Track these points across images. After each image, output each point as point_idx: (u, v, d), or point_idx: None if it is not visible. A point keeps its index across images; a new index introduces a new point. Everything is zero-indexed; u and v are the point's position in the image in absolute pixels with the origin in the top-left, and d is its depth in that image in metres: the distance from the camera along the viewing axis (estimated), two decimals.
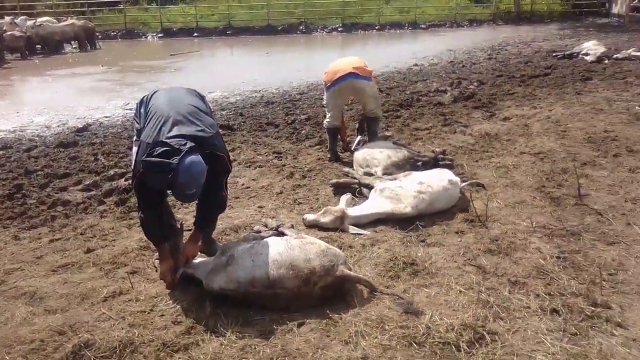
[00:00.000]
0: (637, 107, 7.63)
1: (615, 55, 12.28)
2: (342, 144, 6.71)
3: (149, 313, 3.31)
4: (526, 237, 4.05)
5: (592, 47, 12.64)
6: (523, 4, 27.57)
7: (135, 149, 3.67)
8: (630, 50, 12.41)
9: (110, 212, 5.10)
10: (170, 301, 3.43)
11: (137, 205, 3.63)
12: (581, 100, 8.42)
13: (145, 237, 3.94)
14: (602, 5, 26.23)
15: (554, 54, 13.71)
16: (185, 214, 4.88)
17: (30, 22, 20.68)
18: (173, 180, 3.11)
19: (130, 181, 5.65)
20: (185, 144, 3.16)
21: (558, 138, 6.51)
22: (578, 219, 4.30)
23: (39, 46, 21.03)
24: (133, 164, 3.51)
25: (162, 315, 3.28)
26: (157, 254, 3.77)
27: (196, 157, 3.17)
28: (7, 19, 20.96)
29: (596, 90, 9.15)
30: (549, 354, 2.73)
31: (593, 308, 3.07)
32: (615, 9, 24.20)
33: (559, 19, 26.00)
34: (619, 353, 2.71)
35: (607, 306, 3.09)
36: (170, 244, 3.64)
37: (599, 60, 11.91)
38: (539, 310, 3.10)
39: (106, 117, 9.73)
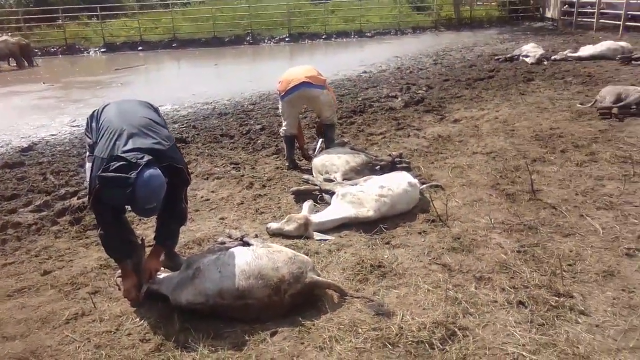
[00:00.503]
0: (578, 105, 8.03)
1: (553, 57, 12.88)
2: (300, 152, 6.71)
3: (115, 333, 3.19)
4: (486, 233, 4.17)
5: (531, 50, 13.22)
6: (462, 10, 28.52)
7: (88, 165, 3.53)
8: (566, 52, 13.06)
9: (65, 232, 4.89)
10: (137, 319, 3.32)
11: (95, 222, 3.49)
12: (525, 100, 8.78)
13: (105, 255, 3.80)
14: (536, 10, 27.45)
15: (496, 58, 14.24)
16: (145, 229, 4.75)
17: None
18: (131, 195, 3.01)
19: (83, 199, 5.46)
20: (142, 158, 3.08)
21: (507, 137, 6.75)
22: (534, 214, 4.46)
23: None
24: (88, 181, 3.38)
25: (129, 334, 3.17)
26: (119, 271, 3.64)
27: (155, 171, 3.09)
28: None
29: (539, 90, 9.56)
30: (520, 345, 2.81)
31: (557, 298, 3.19)
32: (548, 14, 25.40)
33: (497, 24, 27.03)
34: (585, 339, 2.82)
35: (569, 295, 3.21)
36: (132, 260, 3.53)
37: (539, 62, 12.47)
38: (506, 304, 3.19)
39: (52, 135, 9.35)
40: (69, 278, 3.93)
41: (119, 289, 3.62)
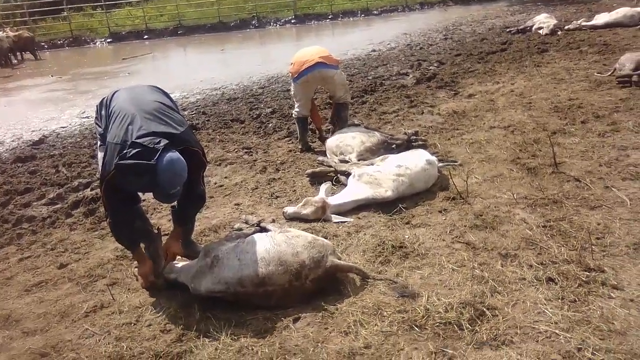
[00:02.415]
0: (596, 74, 7.79)
1: (566, 27, 12.54)
2: (317, 133, 6.58)
3: (135, 324, 3.15)
4: (509, 209, 4.04)
5: (544, 21, 12.87)
6: None
7: (100, 154, 3.46)
8: (580, 21, 12.69)
9: (80, 224, 4.85)
10: (157, 310, 3.26)
11: (105, 211, 3.43)
12: (541, 72, 8.55)
13: (121, 246, 3.74)
14: None
15: (507, 30, 13.92)
16: (160, 219, 4.70)
17: None
18: (154, 181, 2.94)
19: (96, 191, 5.41)
20: (159, 142, 2.99)
21: (525, 110, 6.57)
22: (557, 187, 4.32)
23: None
24: (100, 169, 3.29)
25: (150, 325, 3.12)
26: (136, 262, 3.59)
27: (175, 155, 3.00)
28: None
29: (554, 61, 9.30)
30: (552, 322, 2.71)
31: (587, 273, 3.07)
32: None
33: None
34: (620, 315, 2.70)
35: (600, 270, 3.09)
36: (150, 250, 3.47)
37: (553, 32, 12.14)
38: (535, 281, 3.08)
39: (62, 127, 9.31)
40: (86, 270, 3.89)
41: (137, 280, 3.57)
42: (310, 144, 6.36)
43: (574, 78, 7.83)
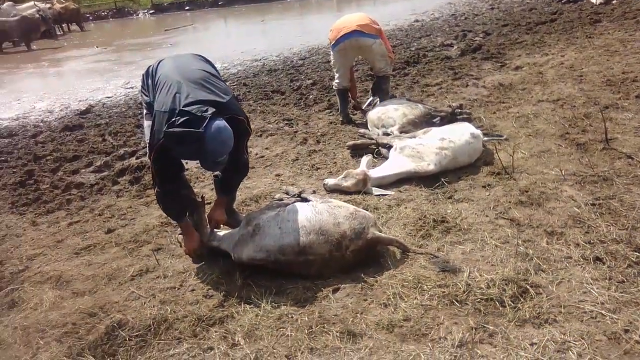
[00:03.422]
0: None
1: None
2: (352, 102, 6.51)
3: (178, 289, 3.24)
4: (557, 186, 3.92)
5: None
6: None
7: (147, 122, 3.51)
8: None
9: (126, 191, 5.00)
10: (199, 275, 3.35)
11: (152, 181, 3.49)
12: (593, 44, 8.16)
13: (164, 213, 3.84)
14: None
15: None
16: (203, 187, 4.78)
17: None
18: (202, 149, 2.97)
19: (142, 159, 5.54)
20: (206, 111, 3.01)
21: (575, 83, 6.30)
22: (608, 164, 4.15)
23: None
24: (149, 137, 3.34)
25: (193, 290, 3.21)
26: (179, 229, 3.68)
27: (222, 123, 3.03)
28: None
29: (607, 33, 8.85)
30: (598, 303, 2.64)
31: (637, 254, 2.96)
32: None
33: None
34: None
35: None
36: (194, 217, 3.54)
37: (607, 1, 11.53)
38: (581, 260, 2.99)
39: (108, 97, 9.55)
40: (132, 236, 4.01)
41: (180, 246, 3.66)
42: (351, 116, 6.29)
43: (629, 50, 7.44)
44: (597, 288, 2.75)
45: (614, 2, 11.54)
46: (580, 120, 5.08)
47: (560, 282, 2.85)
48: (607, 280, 2.80)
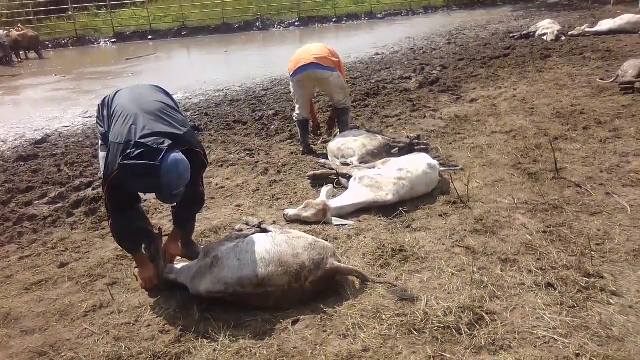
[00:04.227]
0: (598, 80, 7.79)
1: (570, 33, 12.55)
2: (313, 127, 6.56)
3: (134, 324, 3.15)
4: (510, 214, 4.04)
5: (547, 26, 12.89)
6: None
7: (102, 154, 3.47)
8: (583, 27, 12.71)
9: (81, 224, 4.86)
10: (155, 310, 3.27)
11: (107, 212, 3.42)
12: (544, 78, 8.56)
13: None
14: None
15: (511, 35, 13.95)
16: (161, 219, 4.71)
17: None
18: (158, 182, 2.94)
19: (98, 190, 5.43)
20: (163, 143, 3.00)
21: (527, 115, 6.57)
22: (558, 193, 4.32)
23: None
24: (103, 169, 3.30)
25: (149, 326, 3.12)
26: (135, 262, 3.60)
27: (179, 155, 3.01)
28: None
29: (557, 67, 9.31)
30: (551, 328, 2.71)
31: (586, 279, 3.07)
32: None
33: (511, 0, 26.49)
34: (619, 321, 2.70)
35: (599, 276, 3.09)
36: (150, 250, 3.48)
37: (556, 38, 12.15)
38: (534, 286, 3.08)
39: (65, 126, 9.34)
40: (86, 270, 3.90)
41: (137, 280, 3.58)
42: (312, 146, 6.36)
43: (577, 84, 7.84)
44: (549, 314, 2.83)
45: (563, 38, 12.17)
46: (532, 150, 5.28)
47: (514, 309, 2.91)
48: (558, 306, 2.89)
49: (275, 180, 5.41)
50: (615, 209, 3.96)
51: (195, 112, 9.33)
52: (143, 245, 3.52)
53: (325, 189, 4.57)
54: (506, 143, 5.64)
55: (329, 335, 2.87)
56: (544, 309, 2.86)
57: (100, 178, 5.70)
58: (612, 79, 7.62)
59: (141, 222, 3.57)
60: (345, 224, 4.15)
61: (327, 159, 5.61)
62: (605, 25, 12.42)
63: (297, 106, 6.20)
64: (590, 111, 6.33)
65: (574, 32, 12.51)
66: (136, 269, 3.60)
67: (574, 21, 15.49)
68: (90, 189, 5.68)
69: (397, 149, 5.38)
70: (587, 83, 7.80)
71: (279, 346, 2.81)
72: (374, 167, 4.76)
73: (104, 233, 4.55)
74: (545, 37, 12.44)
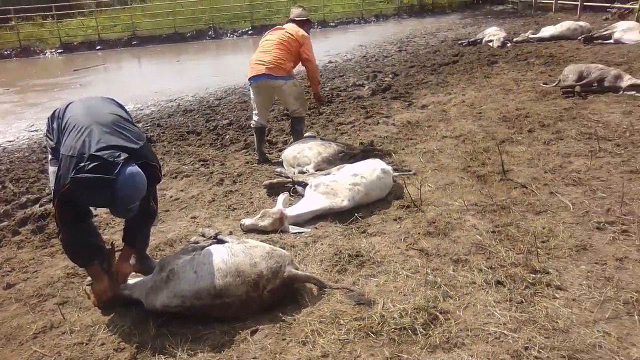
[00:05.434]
0: (542, 85, 8.14)
1: (515, 39, 13.06)
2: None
3: (87, 344, 3.07)
4: (460, 216, 4.17)
5: (493, 33, 13.36)
6: None
7: (52, 168, 3.37)
8: (527, 33, 13.26)
9: (28, 242, 4.69)
10: (110, 328, 3.19)
11: (57, 227, 3.32)
12: (490, 83, 8.86)
13: (72, 264, 3.65)
14: None
15: (459, 42, 14.37)
16: (113, 234, 4.60)
17: None
18: (112, 196, 2.88)
19: (46, 207, 5.26)
20: (119, 156, 2.93)
21: (475, 120, 6.80)
22: (505, 194, 4.49)
23: None
24: (53, 183, 3.21)
25: (103, 345, 3.04)
26: (88, 279, 3.51)
27: (135, 169, 2.95)
28: None
29: (502, 73, 9.66)
30: (501, 324, 2.81)
31: (533, 275, 3.20)
32: None
33: (459, 9, 27.32)
34: (564, 314, 2.84)
35: (545, 272, 3.23)
36: (103, 266, 3.39)
37: (502, 44, 12.59)
38: (484, 284, 3.19)
39: (9, 141, 9.01)
40: (34, 290, 3.76)
41: (89, 298, 3.48)
42: (267, 155, 6.36)
43: (522, 89, 8.16)
44: (499, 310, 2.94)
45: (508, 45, 12.64)
46: (480, 154, 5.47)
47: (466, 307, 3.01)
48: (508, 302, 3.00)
49: (231, 191, 5.38)
50: (558, 207, 4.14)
51: (147, 123, 9.17)
52: (96, 262, 3.43)
53: (281, 197, 4.59)
54: (456, 147, 5.82)
55: (288, 344, 2.88)
56: (494, 306, 2.97)
57: (48, 193, 5.55)
58: (554, 83, 7.98)
59: (93, 237, 3.47)
60: (302, 232, 4.18)
61: (283, 167, 5.63)
62: (547, 31, 12.99)
63: (254, 112, 6.19)
64: (534, 114, 6.61)
65: (519, 39, 13.02)
66: (88, 287, 3.50)
67: (519, 28, 16.12)
68: (38, 205, 5.50)
69: (351, 155, 5.46)
70: (531, 87, 8.14)
71: (238, 357, 2.81)
72: (329, 174, 4.82)
73: (54, 250, 4.41)
74: (491, 44, 12.88)
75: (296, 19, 6.20)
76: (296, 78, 6.15)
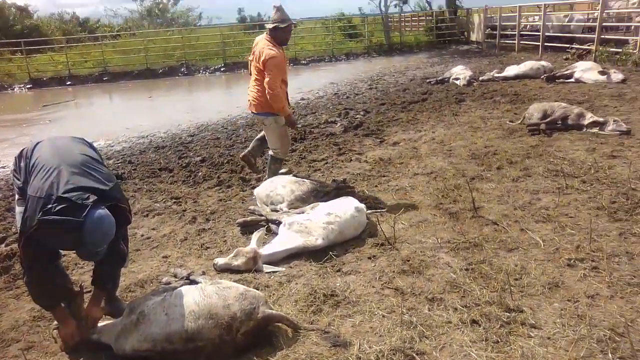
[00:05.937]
0: (508, 123, 8.39)
1: (481, 78, 13.50)
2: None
3: None
4: (434, 253, 4.20)
5: (460, 72, 13.78)
6: (392, 36, 29.64)
7: (19, 208, 3.29)
8: (493, 72, 13.72)
9: None
10: None
11: (22, 269, 3.22)
12: (459, 121, 9.09)
13: (38, 307, 3.51)
14: (462, 34, 28.87)
15: (427, 81, 14.74)
16: (82, 274, 4.47)
17: None
18: (80, 239, 2.81)
19: (11, 246, 5.09)
20: (87, 198, 2.88)
21: (445, 157, 6.93)
22: (477, 231, 4.55)
23: None
24: (20, 223, 3.12)
25: None
26: (54, 323, 3.38)
27: (103, 212, 2.90)
28: None
29: (470, 111, 9.93)
30: None
31: (508, 314, 3.23)
32: (473, 37, 26.79)
33: (426, 48, 28.19)
34: (539, 353, 2.85)
35: (519, 310, 3.26)
36: (70, 309, 3.28)
37: (469, 83, 12.99)
38: (460, 323, 3.20)
39: None
40: None
41: (56, 342, 3.35)
42: (242, 192, 6.33)
43: (489, 126, 8.40)
44: (475, 350, 2.94)
45: (475, 83, 13.04)
46: (451, 191, 5.56)
47: (442, 347, 3.00)
48: (484, 342, 3.01)
49: (203, 229, 5.32)
50: (530, 244, 4.22)
51: (118, 160, 9.06)
52: (63, 305, 3.31)
53: (255, 236, 4.55)
54: (427, 184, 5.91)
55: None
56: (470, 346, 2.97)
57: (15, 232, 5.38)
58: (520, 121, 8.24)
59: (60, 279, 3.36)
60: (277, 271, 4.14)
61: (257, 205, 5.60)
62: (511, 70, 13.47)
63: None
64: (502, 152, 6.79)
65: (484, 77, 13.46)
66: (55, 331, 3.37)
67: (484, 67, 16.67)
68: (3, 245, 5.31)
69: (324, 193, 5.48)
70: (498, 125, 8.38)
71: None
72: (302, 212, 4.81)
73: (19, 292, 4.25)
74: (458, 82, 13.27)
75: (270, 28, 5.73)
76: (279, 115, 5.90)
